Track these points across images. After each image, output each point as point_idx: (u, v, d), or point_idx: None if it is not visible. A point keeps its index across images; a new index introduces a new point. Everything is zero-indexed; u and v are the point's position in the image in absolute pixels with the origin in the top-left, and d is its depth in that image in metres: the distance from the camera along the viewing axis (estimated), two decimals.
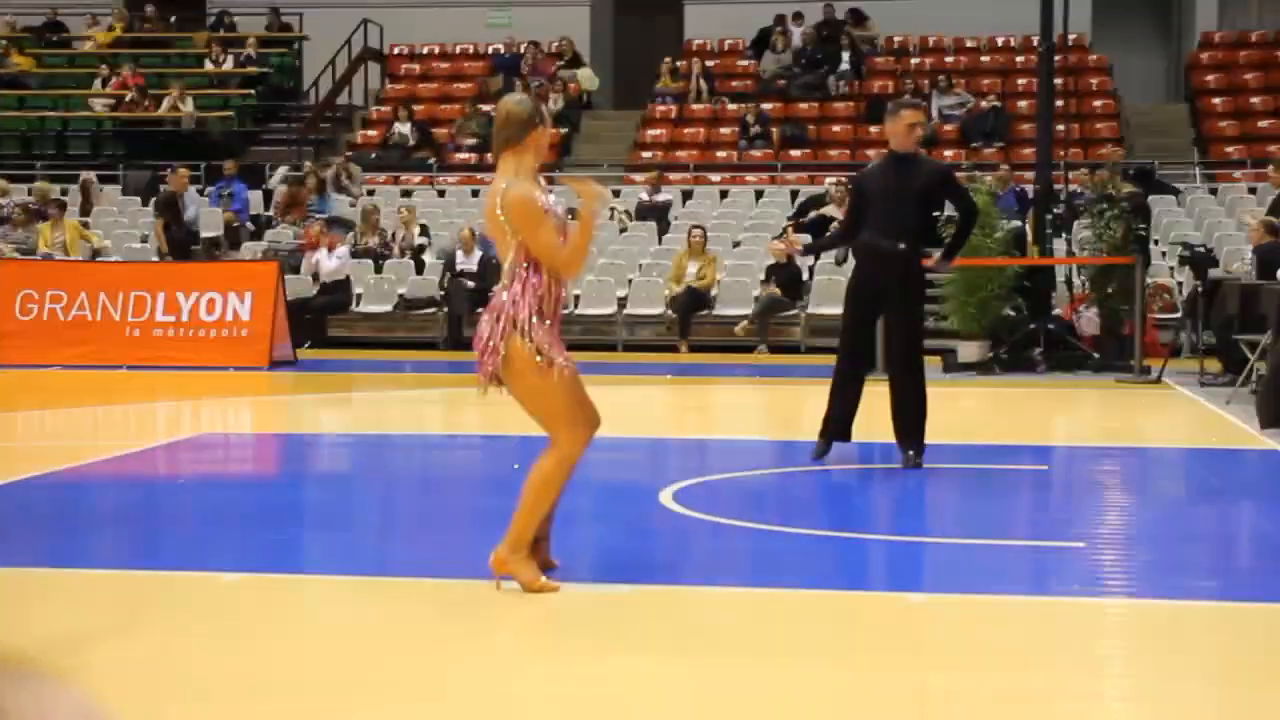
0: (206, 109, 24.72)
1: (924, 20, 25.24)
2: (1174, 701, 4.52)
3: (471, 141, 23.35)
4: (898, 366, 8.86)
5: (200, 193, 21.21)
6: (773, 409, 13.57)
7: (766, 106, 23.77)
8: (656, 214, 20.66)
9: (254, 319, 15.73)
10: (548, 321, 5.54)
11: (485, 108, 23.14)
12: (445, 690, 4.58)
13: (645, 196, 21.05)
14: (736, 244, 19.88)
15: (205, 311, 15.85)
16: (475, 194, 21.50)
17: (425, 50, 26.70)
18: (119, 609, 5.62)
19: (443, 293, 18.49)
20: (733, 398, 14.59)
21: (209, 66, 25.85)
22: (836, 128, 23.89)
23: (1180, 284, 17.37)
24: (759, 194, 21.92)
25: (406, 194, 22.17)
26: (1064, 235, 16.33)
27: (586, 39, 26.84)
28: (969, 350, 15.30)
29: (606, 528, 7.18)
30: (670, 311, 18.17)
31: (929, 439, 8.79)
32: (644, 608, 5.60)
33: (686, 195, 21.90)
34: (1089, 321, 15.78)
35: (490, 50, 26.18)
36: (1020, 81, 23.94)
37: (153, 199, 21.71)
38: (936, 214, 9.95)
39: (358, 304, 18.89)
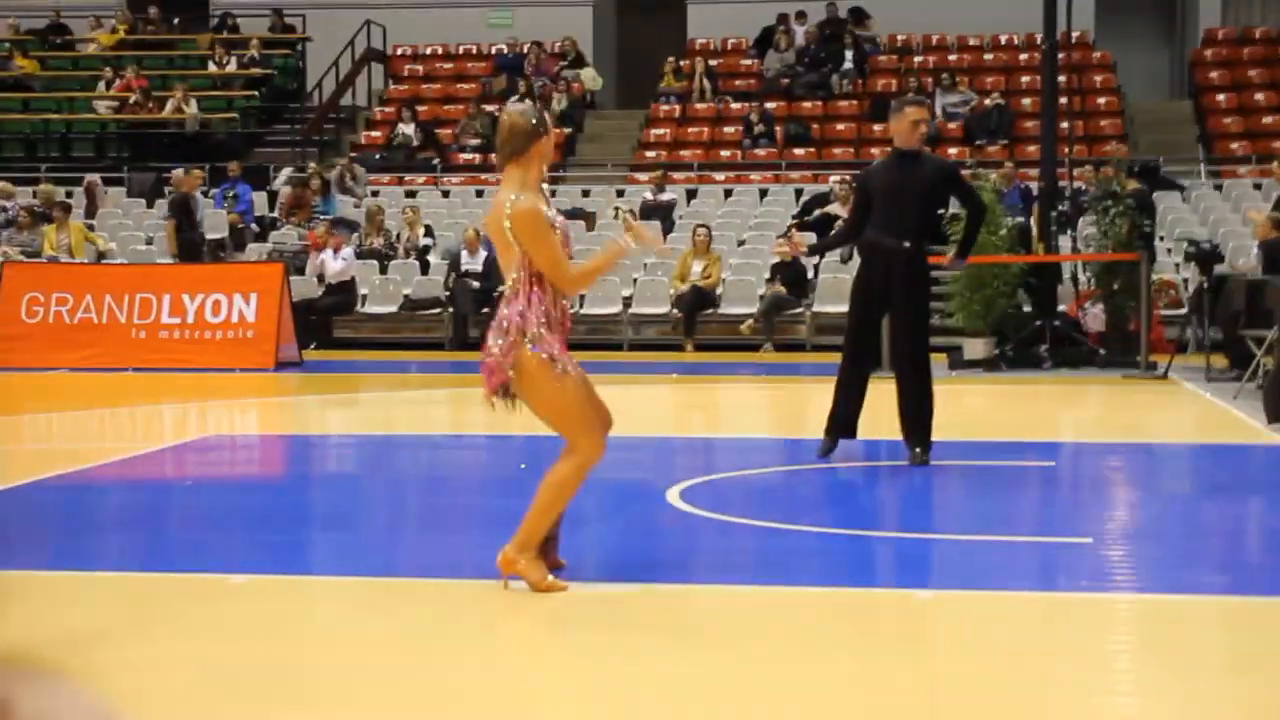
0: (210, 111, 24.74)
1: (927, 18, 25.24)
2: (1182, 696, 4.52)
3: (475, 142, 23.36)
4: (904, 364, 8.86)
5: (205, 195, 21.22)
6: (778, 407, 13.57)
7: (770, 105, 23.77)
8: (661, 213, 20.65)
9: (259, 320, 15.73)
10: (555, 331, 5.56)
11: (489, 108, 23.16)
12: (453, 690, 4.58)
13: (650, 196, 21.06)
14: (741, 243, 19.88)
15: (211, 313, 15.85)
16: (480, 194, 21.52)
17: (428, 51, 26.71)
18: (128, 611, 5.63)
19: (448, 293, 18.50)
20: (738, 396, 14.59)
21: (212, 68, 25.88)
22: (840, 126, 23.89)
23: (1185, 280, 17.36)
24: (763, 193, 21.93)
25: (411, 194, 22.18)
26: (1069, 232, 16.32)
27: (590, 39, 26.84)
28: (975, 347, 15.30)
29: (614, 527, 7.18)
30: (675, 311, 18.18)
31: (935, 436, 8.79)
32: (652, 607, 5.60)
33: (691, 194, 21.90)
34: (1094, 318, 15.77)
35: (493, 50, 26.18)
36: (1024, 79, 23.92)
37: (158, 200, 21.76)
38: (941, 211, 9.94)
39: (363, 305, 18.90)
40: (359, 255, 19.11)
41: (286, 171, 22.51)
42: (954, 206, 14.97)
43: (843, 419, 8.90)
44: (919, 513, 7.92)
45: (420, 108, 24.56)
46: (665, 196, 20.99)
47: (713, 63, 25.32)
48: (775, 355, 17.25)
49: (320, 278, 18.54)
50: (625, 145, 24.26)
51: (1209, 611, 5.59)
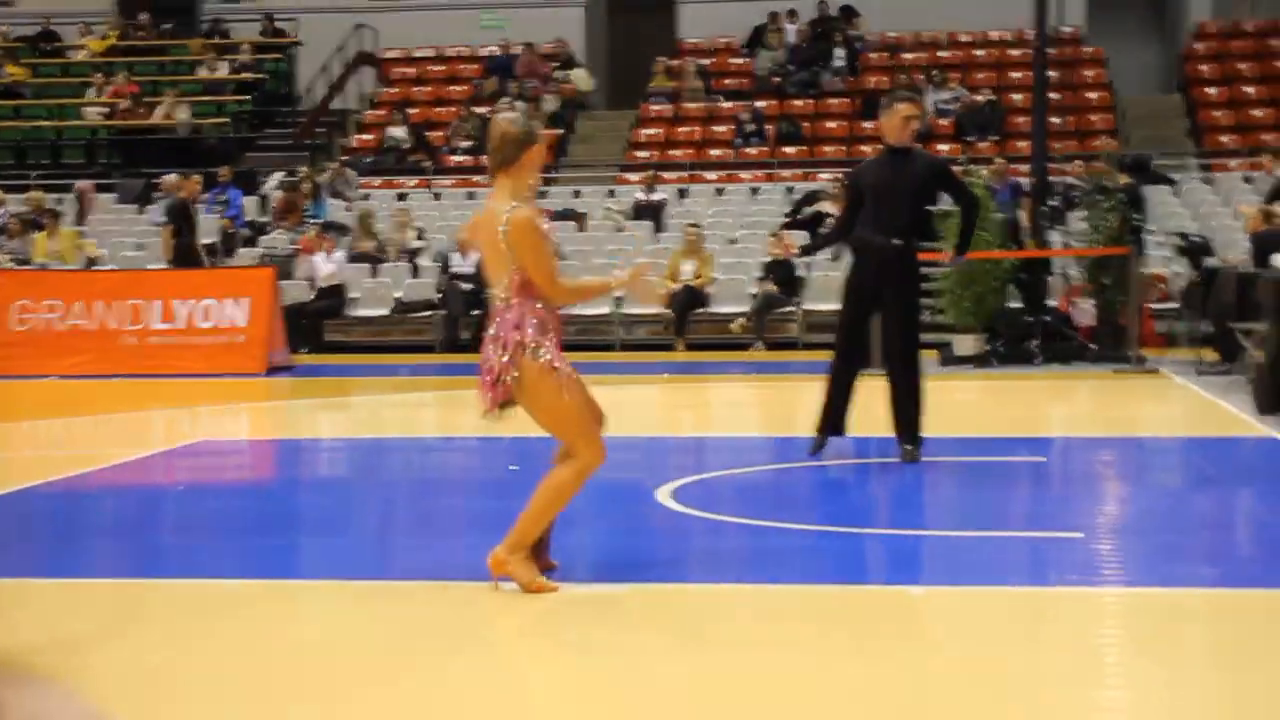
0: (201, 116, 24.73)
1: (918, 15, 25.26)
2: (1173, 688, 4.52)
3: (466, 144, 23.35)
4: (894, 361, 8.86)
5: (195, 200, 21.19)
6: (769, 406, 13.57)
7: (761, 104, 23.78)
8: (652, 213, 20.66)
9: (250, 325, 15.72)
10: (551, 336, 5.57)
11: (480, 110, 23.15)
12: (444, 692, 4.58)
13: (641, 196, 21.06)
14: (733, 241, 19.88)
15: (202, 319, 15.84)
16: (471, 196, 21.51)
17: (419, 54, 26.70)
18: (120, 617, 5.62)
19: (439, 295, 18.49)
20: (730, 395, 14.59)
21: (203, 73, 25.85)
22: (831, 124, 23.89)
23: (1176, 274, 17.37)
24: (754, 191, 21.93)
25: (402, 197, 22.17)
26: (1059, 227, 16.33)
27: (581, 40, 26.85)
28: (965, 343, 15.30)
29: (605, 527, 7.17)
30: (667, 310, 18.18)
31: (926, 432, 8.79)
32: (643, 606, 5.60)
33: (682, 194, 21.90)
34: (1085, 313, 15.78)
35: (484, 52, 26.18)
36: (1015, 75, 23.94)
37: (148, 206, 21.73)
38: (930, 208, 9.94)
39: (354, 308, 18.89)
40: (350, 258, 19.09)
41: (277, 176, 22.49)
42: (944, 203, 15.01)
43: (833, 416, 8.90)
44: (910, 509, 7.92)
45: (411, 110, 24.55)
46: (656, 196, 20.99)
47: (703, 62, 25.33)
48: (766, 354, 17.25)
49: (310, 281, 18.52)
50: (616, 145, 24.26)
51: (1200, 605, 5.59)
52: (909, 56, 25.09)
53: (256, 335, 15.66)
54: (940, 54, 25.11)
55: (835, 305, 9.85)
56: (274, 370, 15.56)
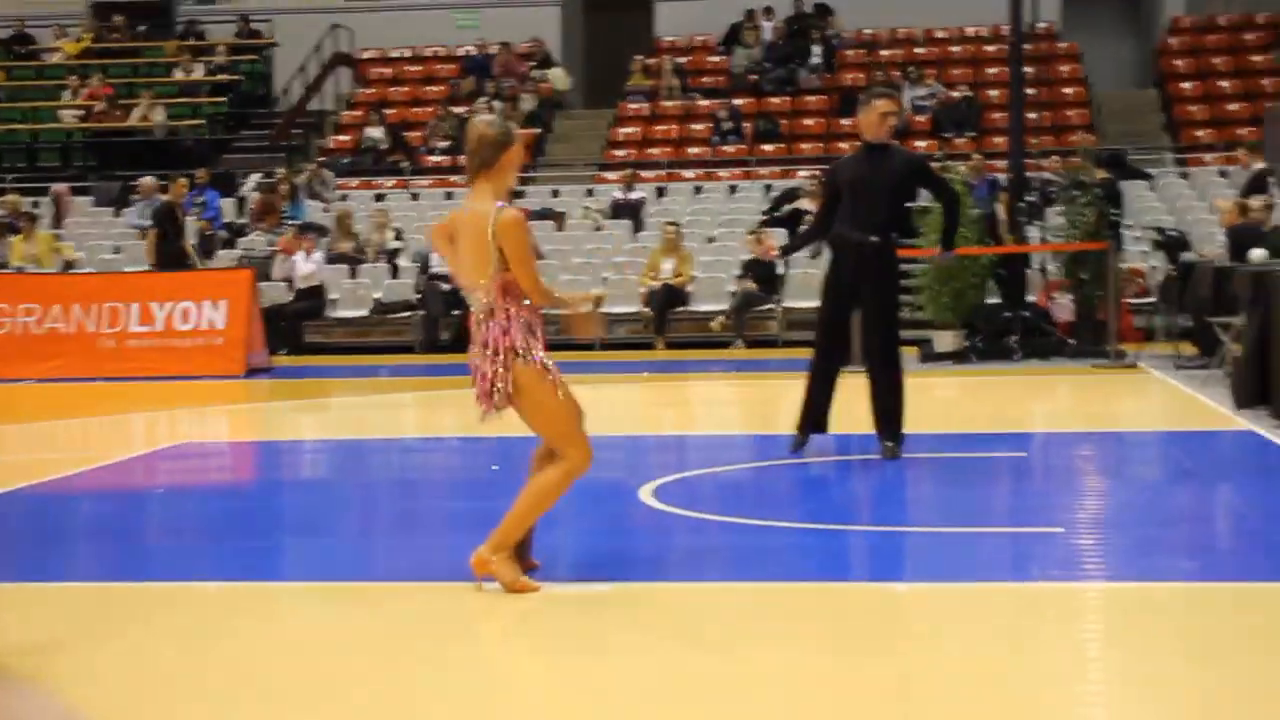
0: (177, 118, 24.65)
1: (894, 13, 25.31)
2: (1153, 683, 4.53)
3: (444, 144, 23.32)
4: (875, 358, 8.87)
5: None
6: (750, 403, 13.58)
7: (738, 102, 23.80)
8: (630, 212, 20.67)
9: (229, 327, 15.69)
10: (538, 337, 5.59)
11: (457, 110, 23.12)
12: (427, 692, 4.57)
13: (619, 194, 21.06)
14: (711, 240, 19.90)
15: (180, 321, 15.80)
16: (449, 196, 21.49)
17: (396, 54, 26.66)
18: (100, 620, 5.60)
19: (418, 296, 18.46)
20: (710, 393, 14.60)
21: (179, 75, 25.77)
22: (808, 121, 23.93)
23: (1154, 268, 17.43)
24: (733, 189, 21.95)
25: (379, 198, 22.14)
26: (1037, 222, 16.37)
27: (557, 39, 26.84)
28: (945, 340, 15.34)
29: (587, 526, 7.17)
30: (646, 309, 18.18)
31: (907, 429, 8.81)
32: (626, 605, 5.60)
33: (660, 192, 21.92)
34: (1063, 308, 15.83)
35: (461, 52, 26.15)
36: (991, 71, 24.00)
37: (125, 209, 21.67)
38: (909, 204, 9.96)
39: (333, 309, 18.85)
40: (328, 260, 19.06)
41: (255, 177, 22.44)
42: (923, 199, 15.04)
43: (815, 414, 8.91)
44: (891, 506, 7.94)
45: (388, 111, 24.52)
46: (635, 195, 21.00)
47: (680, 60, 25.35)
48: (746, 352, 17.27)
49: (289, 282, 18.48)
50: (594, 144, 24.26)
51: (1179, 598, 5.62)
52: (886, 53, 25.14)
53: (235, 337, 15.63)
54: (917, 51, 25.17)
55: (815, 302, 9.86)
56: (253, 372, 15.53)
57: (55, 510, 8.20)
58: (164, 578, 6.34)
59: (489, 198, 5.62)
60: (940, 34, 25.54)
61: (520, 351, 5.54)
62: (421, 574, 6.10)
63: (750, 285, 17.86)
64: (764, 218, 19.76)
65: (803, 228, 17.85)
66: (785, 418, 9.34)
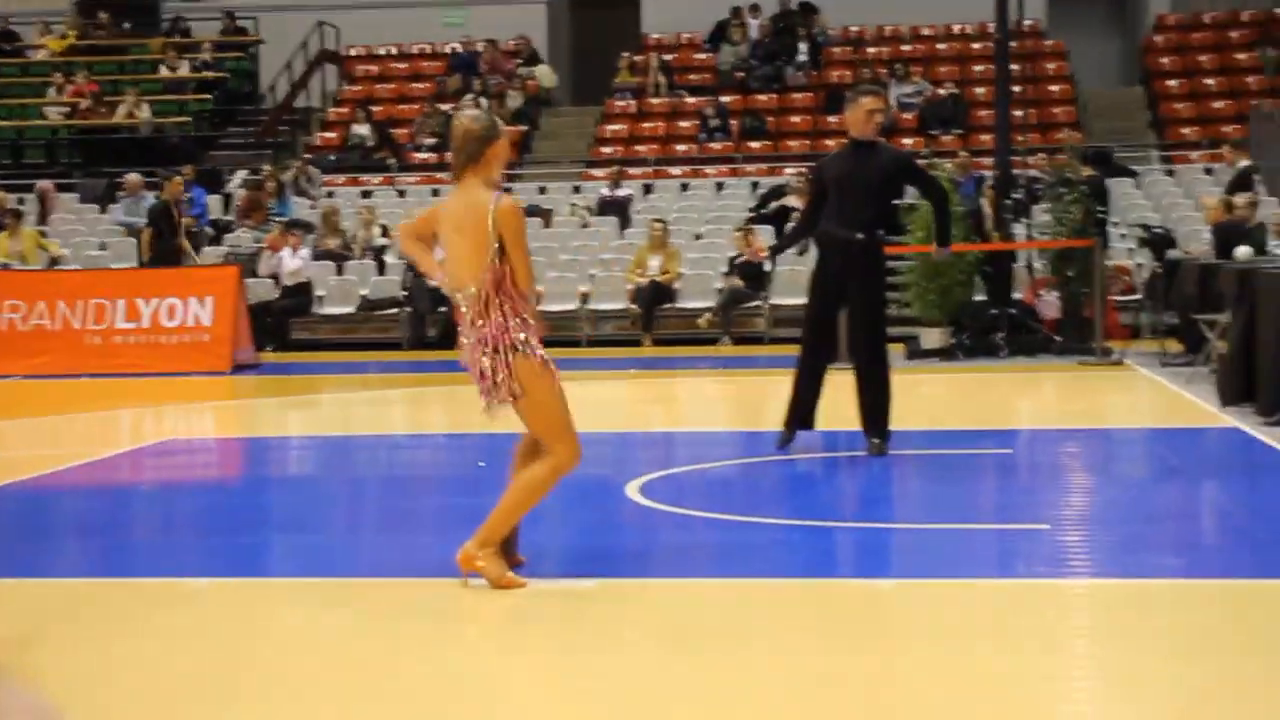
0: (163, 115, 24.59)
1: (880, 10, 25.33)
2: (1139, 679, 4.55)
3: (431, 141, 23.29)
4: (861, 355, 8.88)
5: (158, 199, 21.07)
6: (737, 400, 13.59)
7: (725, 99, 23.81)
8: (617, 209, 20.67)
9: (215, 324, 15.67)
10: (535, 331, 5.62)
11: (444, 107, 23.10)
12: (413, 688, 4.57)
13: (606, 191, 21.06)
14: (698, 236, 19.90)
15: (166, 317, 15.77)
16: (436, 193, 21.46)
17: (382, 51, 26.63)
18: (86, 616, 5.59)
19: (405, 293, 18.44)
20: (697, 390, 14.61)
21: (164, 72, 25.71)
22: (795, 118, 23.94)
23: (1139, 265, 17.47)
24: (719, 186, 21.96)
25: (366, 195, 22.11)
26: (1024, 220, 16.39)
27: (544, 36, 26.82)
28: (932, 337, 15.36)
29: (574, 522, 7.18)
30: (634, 305, 18.18)
31: (893, 426, 8.82)
32: (612, 601, 5.61)
33: (647, 189, 21.92)
34: (1050, 305, 15.85)
35: (447, 49, 26.13)
36: (977, 68, 24.03)
37: (110, 205, 21.61)
38: (896, 202, 9.97)
39: (320, 306, 18.83)
40: (315, 256, 19.03)
41: (241, 174, 22.40)
42: (909, 196, 15.06)
43: (801, 411, 8.92)
44: (878, 503, 7.95)
45: (375, 108, 24.49)
46: (622, 192, 21.00)
47: (667, 57, 25.34)
48: (733, 349, 17.28)
49: (276, 279, 18.45)
50: (581, 141, 24.25)
51: (1165, 595, 5.63)
52: (872, 51, 25.15)
53: (221, 334, 15.61)
54: (903, 48, 25.19)
55: (801, 299, 9.87)
56: (239, 369, 15.51)
57: (40, 506, 8.18)
58: (148, 574, 6.33)
59: (482, 189, 5.63)
60: (926, 31, 25.57)
61: (519, 346, 5.55)
62: (408, 570, 6.10)
63: (737, 282, 17.87)
64: (751, 215, 19.77)
65: (790, 225, 17.87)
66: (772, 414, 9.34)
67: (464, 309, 5.64)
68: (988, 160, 18.05)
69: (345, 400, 13.82)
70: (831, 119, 22.37)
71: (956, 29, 25.48)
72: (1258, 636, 4.99)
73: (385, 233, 19.81)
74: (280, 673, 4.81)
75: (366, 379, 15.57)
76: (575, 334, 18.13)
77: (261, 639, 5.25)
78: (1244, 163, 17.56)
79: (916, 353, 15.19)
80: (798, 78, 24.52)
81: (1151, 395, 12.26)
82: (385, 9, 26.72)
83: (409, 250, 5.98)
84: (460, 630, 5.36)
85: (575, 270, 18.83)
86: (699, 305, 18.07)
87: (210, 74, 25.64)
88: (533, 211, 20.40)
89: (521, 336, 5.56)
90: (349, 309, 18.85)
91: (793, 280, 17.05)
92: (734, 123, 23.40)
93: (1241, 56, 24.39)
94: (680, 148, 23.53)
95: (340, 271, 19.17)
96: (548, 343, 5.77)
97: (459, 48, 25.78)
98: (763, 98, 24.26)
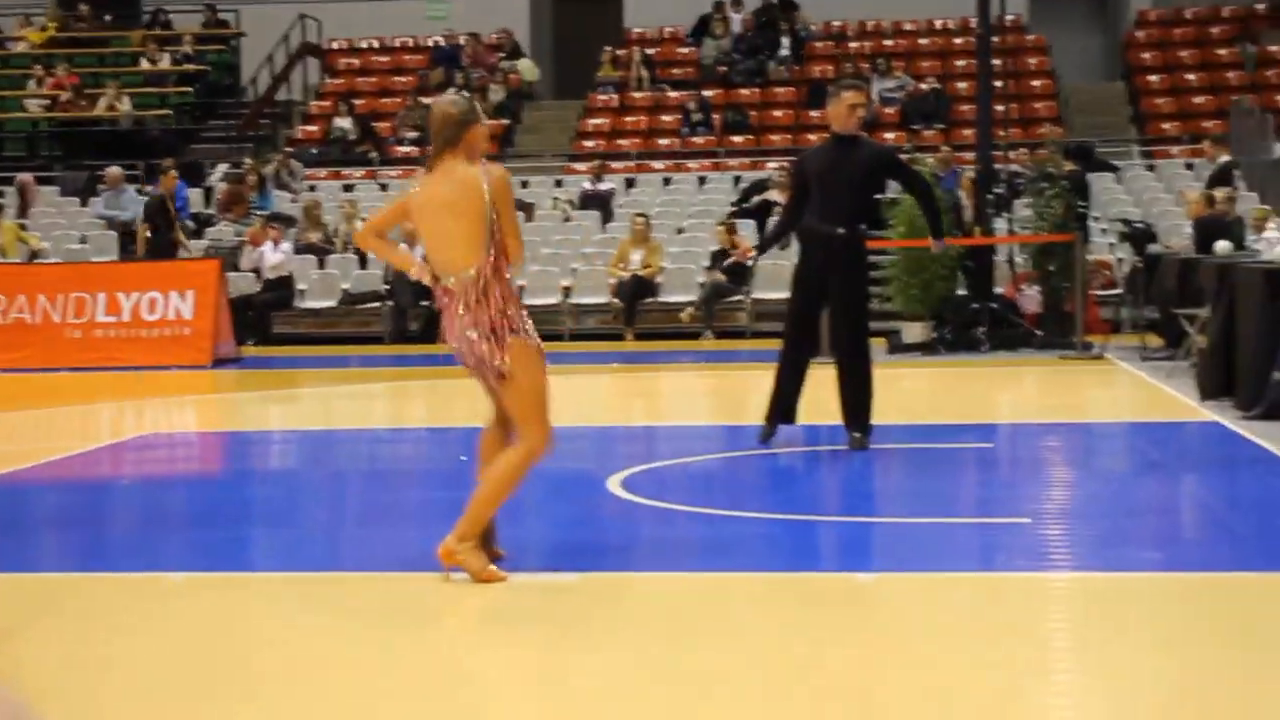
0: (144, 108, 24.50)
1: (862, 5, 25.34)
2: (1120, 672, 4.56)
3: (413, 134, 23.25)
4: (843, 349, 8.88)
5: (140, 192, 21.03)
6: (719, 394, 13.60)
7: (708, 93, 23.80)
8: (600, 203, 20.65)
9: (196, 317, 15.62)
10: (525, 315, 5.67)
11: (426, 100, 23.03)
12: (395, 682, 4.57)
13: (588, 186, 21.05)
14: (680, 231, 19.90)
15: (147, 311, 15.72)
16: None
17: (364, 44, 26.57)
18: (64, 611, 5.58)
19: (387, 287, 18.42)
20: (679, 384, 14.61)
21: (145, 65, 25.61)
22: (777, 113, 23.94)
23: (1120, 260, 17.52)
24: (702, 180, 21.95)
25: (348, 188, 22.06)
26: (1005, 214, 16.42)
27: (526, 29, 26.78)
28: (913, 331, 15.38)
29: (555, 516, 7.18)
30: (616, 300, 18.18)
31: (875, 420, 8.82)
32: (593, 595, 5.61)
33: (629, 183, 21.90)
34: (1031, 299, 15.88)
35: (430, 43, 26.08)
36: (959, 63, 24.05)
37: (91, 198, 21.54)
38: (878, 196, 9.97)
39: (302, 300, 18.79)
40: (297, 250, 18.99)
41: (222, 168, 22.34)
42: (891, 190, 15.07)
43: (784, 405, 8.92)
44: (859, 496, 7.96)
45: (357, 101, 24.43)
46: (604, 186, 20.98)
47: (650, 52, 25.32)
48: (715, 343, 17.29)
49: (257, 272, 18.41)
50: (563, 136, 24.23)
51: (1145, 588, 5.65)
52: (854, 45, 25.16)
53: (202, 327, 15.56)
54: (885, 43, 25.21)
55: (784, 294, 9.88)
56: (221, 362, 15.47)
57: (19, 501, 8.16)
58: (130, 568, 6.32)
59: (465, 165, 5.63)
60: (908, 26, 25.60)
61: (516, 329, 5.56)
62: (389, 564, 6.09)
63: (719, 276, 17.87)
64: (733, 209, 19.77)
65: (772, 219, 17.87)
66: (754, 408, 9.35)
67: (457, 292, 5.61)
68: (969, 155, 18.07)
69: (326, 394, 13.80)
70: (814, 113, 22.37)
71: (938, 24, 25.51)
72: (1237, 629, 5.01)
73: None
74: (261, 667, 4.80)
75: (348, 373, 15.54)
76: (557, 328, 18.11)
77: (242, 633, 5.24)
78: (1224, 158, 17.60)
79: (898, 347, 15.21)
80: (780, 72, 24.53)
81: (1132, 389, 12.29)
82: (367, 2, 26.66)
83: (370, 247, 5.98)
84: (441, 624, 5.36)
85: (557, 264, 18.82)
86: (681, 299, 18.07)
87: (191, 67, 25.56)
88: (516, 206, 20.37)
89: (518, 320, 5.59)
90: (330, 303, 18.82)
91: (775, 275, 17.06)
92: (716, 117, 23.40)
93: (1222, 52, 24.46)
94: (662, 142, 23.52)
95: (322, 265, 19.13)
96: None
97: (441, 41, 25.73)
98: (745, 92, 24.26)
